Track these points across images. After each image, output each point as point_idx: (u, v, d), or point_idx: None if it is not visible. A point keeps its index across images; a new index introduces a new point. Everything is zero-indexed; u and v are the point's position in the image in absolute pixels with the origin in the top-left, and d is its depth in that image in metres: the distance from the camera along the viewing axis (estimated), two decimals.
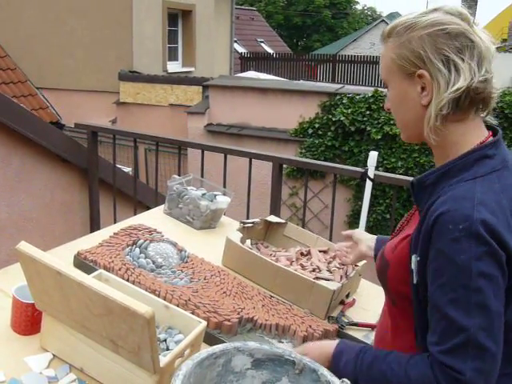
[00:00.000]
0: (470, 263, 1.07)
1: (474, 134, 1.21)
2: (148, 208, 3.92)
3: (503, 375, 1.15)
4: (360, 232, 1.86)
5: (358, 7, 38.72)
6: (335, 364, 1.30)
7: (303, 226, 3.28)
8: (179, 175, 2.80)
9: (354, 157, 7.41)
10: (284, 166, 6.14)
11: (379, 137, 7.13)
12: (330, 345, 1.35)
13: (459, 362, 1.07)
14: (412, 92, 1.21)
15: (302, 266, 2.11)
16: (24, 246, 1.35)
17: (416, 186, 1.26)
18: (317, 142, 7.63)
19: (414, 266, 1.19)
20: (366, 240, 1.78)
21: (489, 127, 1.26)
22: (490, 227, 1.08)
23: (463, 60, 1.15)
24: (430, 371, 1.11)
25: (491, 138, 1.22)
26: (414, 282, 1.19)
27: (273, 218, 2.41)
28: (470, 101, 1.17)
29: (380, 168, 7.03)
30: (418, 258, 1.17)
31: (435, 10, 1.21)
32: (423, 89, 1.19)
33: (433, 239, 1.13)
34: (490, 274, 1.08)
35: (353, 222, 7.35)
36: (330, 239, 3.23)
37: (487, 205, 1.10)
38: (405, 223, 1.38)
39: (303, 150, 7.71)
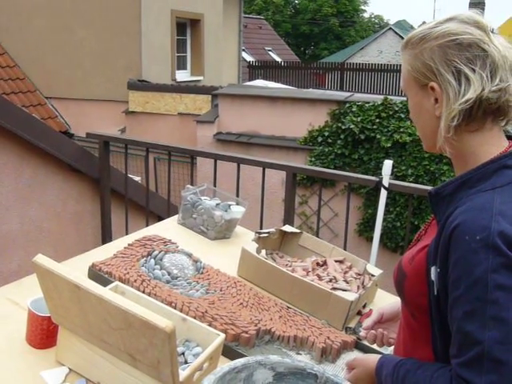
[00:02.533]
0: (486, 275, 1.05)
1: (492, 143, 1.19)
2: (159, 218, 3.91)
3: None
4: (383, 309, 1.63)
5: (366, 15, 38.79)
6: (378, 378, 1.28)
7: (317, 235, 3.25)
8: (191, 184, 2.79)
9: (364, 165, 7.38)
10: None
11: (389, 145, 7.10)
12: (375, 359, 1.33)
13: (475, 376, 1.05)
14: (426, 103, 1.21)
15: (319, 277, 2.08)
16: (41, 259, 1.34)
17: (434, 197, 1.24)
18: (326, 150, 7.60)
19: (434, 277, 1.17)
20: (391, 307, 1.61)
21: (509, 137, 1.24)
22: (509, 238, 1.06)
23: (474, 70, 1.13)
24: (449, 383, 1.10)
25: (511, 148, 1.19)
26: (435, 293, 1.17)
27: (288, 228, 2.39)
28: (483, 111, 1.15)
29: (390, 176, 7.00)
30: (438, 270, 1.15)
31: (450, 19, 1.20)
32: (436, 100, 1.18)
33: (450, 250, 1.11)
34: (508, 286, 1.05)
35: (363, 230, 7.31)
36: (345, 248, 3.21)
37: (506, 215, 1.08)
38: (422, 233, 1.36)
39: (313, 159, 7.69)
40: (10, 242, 3.54)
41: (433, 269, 1.17)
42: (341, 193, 7.42)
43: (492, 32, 1.18)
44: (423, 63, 1.18)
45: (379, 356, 1.32)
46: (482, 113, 1.16)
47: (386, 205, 6.84)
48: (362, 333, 1.57)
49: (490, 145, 1.19)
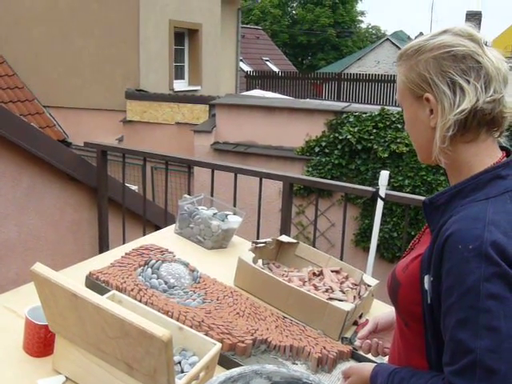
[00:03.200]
0: (479, 284, 1.06)
1: (486, 154, 1.20)
2: (157, 227, 3.92)
3: None
4: (378, 318, 1.64)
5: (363, 26, 38.92)
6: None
7: (314, 245, 3.26)
8: (188, 194, 2.79)
9: (361, 175, 7.40)
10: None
11: (386, 155, 7.12)
12: (370, 367, 1.34)
13: None
14: (421, 115, 1.22)
15: (315, 287, 2.09)
16: (39, 268, 1.34)
17: (428, 206, 1.25)
18: (323, 160, 7.62)
19: (427, 286, 1.18)
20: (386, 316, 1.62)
21: (503, 148, 1.25)
22: (501, 248, 1.07)
23: (468, 82, 1.15)
24: None
25: (505, 159, 1.21)
26: (428, 301, 1.18)
27: (284, 238, 2.40)
28: (478, 122, 1.17)
29: (387, 186, 7.01)
30: (432, 279, 1.16)
31: (444, 31, 1.22)
32: (431, 111, 1.20)
33: (444, 259, 1.12)
34: (500, 295, 1.06)
35: (360, 241, 7.32)
36: (341, 258, 3.22)
37: (499, 225, 1.09)
38: (416, 242, 1.37)
39: (310, 169, 7.71)
40: (8, 250, 3.54)
41: (426, 277, 1.18)
42: (338, 203, 7.43)
43: (485, 45, 1.20)
44: (418, 74, 1.20)
45: (374, 364, 1.33)
46: (476, 123, 1.17)
47: (383, 215, 6.85)
48: (357, 342, 1.59)
49: (484, 155, 1.20)
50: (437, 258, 1.14)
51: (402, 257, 1.42)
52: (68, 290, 1.28)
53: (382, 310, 2.18)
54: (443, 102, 1.16)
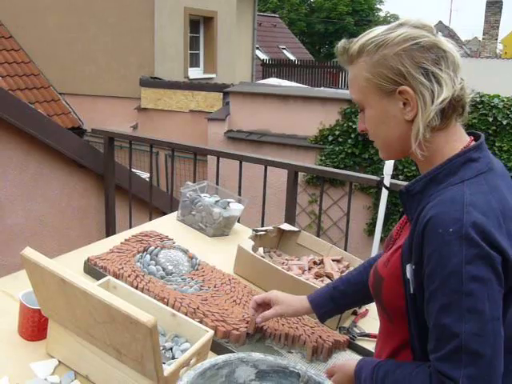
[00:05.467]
0: (460, 267, 1.05)
1: (456, 139, 1.21)
2: (164, 214, 3.92)
3: None
4: (280, 296, 1.66)
5: (381, 14, 38.55)
6: (358, 381, 1.29)
7: (318, 235, 3.24)
8: (195, 181, 2.79)
9: (374, 164, 7.36)
10: (304, 173, 6.11)
11: None
12: (353, 363, 1.34)
13: (453, 369, 1.05)
14: (393, 110, 1.20)
15: (318, 276, 2.08)
16: (29, 253, 1.34)
17: (405, 194, 1.24)
18: (337, 149, 7.59)
19: (409, 275, 1.17)
20: (288, 300, 1.64)
21: (470, 133, 1.26)
22: (481, 228, 1.06)
23: (441, 70, 1.15)
24: (429, 379, 1.10)
25: (474, 142, 1.21)
26: (411, 291, 1.17)
27: (286, 226, 2.38)
28: (453, 109, 1.18)
29: (400, 176, 6.96)
30: (413, 266, 1.15)
31: (401, 24, 1.21)
32: (405, 105, 1.18)
33: (424, 244, 1.11)
34: (482, 277, 1.05)
35: (372, 231, 7.26)
36: (345, 248, 3.20)
37: (477, 206, 1.09)
38: (396, 236, 1.35)
39: (323, 158, 7.67)
40: (15, 235, 3.57)
41: (408, 266, 1.17)
42: (351, 192, 7.39)
43: (438, 34, 1.20)
44: (390, 68, 1.17)
45: (357, 360, 1.33)
46: (452, 111, 1.18)
47: (395, 205, 6.83)
48: (258, 319, 1.63)
49: (454, 141, 1.21)
50: (417, 245, 1.13)
51: (382, 253, 1.41)
52: (56, 274, 1.28)
53: None
54: (423, 93, 1.15)
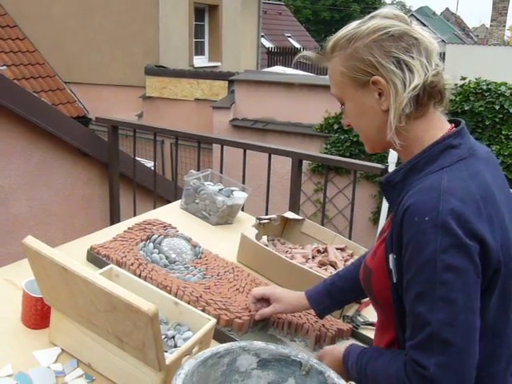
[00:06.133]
0: (435, 256, 1.05)
1: (436, 127, 1.21)
2: (169, 203, 3.92)
3: (489, 375, 1.15)
4: (278, 293, 1.66)
5: (387, 1, 38.31)
6: (345, 367, 1.31)
7: (323, 223, 3.23)
8: (199, 170, 2.78)
9: (380, 153, 7.32)
10: (309, 162, 6.08)
11: None
12: (342, 348, 1.36)
13: (424, 357, 1.06)
14: (369, 101, 1.21)
15: (322, 264, 2.07)
16: (30, 241, 1.34)
17: (385, 185, 1.24)
18: (342, 137, 7.56)
19: (392, 265, 1.17)
20: (287, 298, 1.64)
21: (451, 121, 1.25)
22: (459, 215, 1.06)
23: (413, 58, 1.15)
24: (403, 367, 1.11)
25: (454, 129, 1.21)
26: (394, 281, 1.18)
27: (290, 215, 2.37)
28: (428, 96, 1.17)
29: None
30: (395, 256, 1.16)
31: (372, 17, 1.22)
32: (380, 95, 1.19)
33: (403, 233, 1.12)
34: (457, 266, 1.05)
35: (377, 219, 7.25)
36: (350, 237, 3.19)
37: (455, 193, 1.08)
38: (387, 227, 1.34)
39: (328, 146, 7.65)
40: (19, 224, 3.58)
41: (390, 256, 1.18)
42: (356, 180, 7.37)
43: (411, 23, 1.21)
44: (361, 60, 1.18)
45: (346, 345, 1.35)
46: (427, 98, 1.18)
47: None
48: (257, 316, 1.65)
49: (434, 129, 1.20)
50: (397, 234, 1.14)
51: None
52: (57, 263, 1.28)
53: None
54: (394, 81, 1.16)
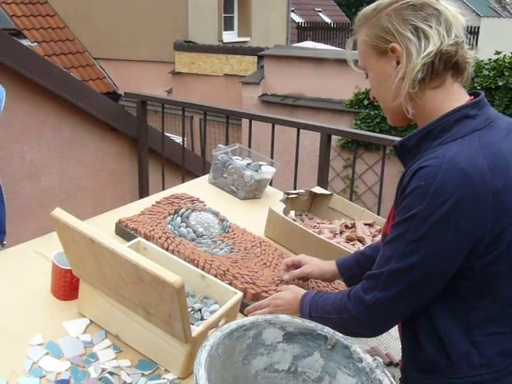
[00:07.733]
0: (413, 220, 1.12)
1: (454, 99, 1.21)
2: (197, 177, 3.93)
3: (490, 334, 1.20)
4: (309, 257, 1.74)
5: None
6: (301, 302, 1.44)
7: (351, 199, 3.20)
8: (227, 144, 2.77)
9: (411, 129, 7.17)
10: (339, 137, 6.02)
11: None
12: (304, 290, 1.50)
13: (369, 288, 1.22)
14: (388, 69, 1.23)
15: (350, 239, 2.05)
16: (59, 213, 1.35)
17: (399, 149, 1.28)
18: (372, 113, 7.46)
19: None
20: (317, 261, 1.71)
21: (471, 94, 1.25)
22: (453, 189, 1.09)
23: (431, 27, 1.17)
24: (349, 290, 1.30)
25: (474, 99, 1.22)
26: None
27: (318, 190, 2.36)
28: (443, 65, 1.19)
29: None
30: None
31: None
32: (398, 63, 1.21)
33: (405, 197, 1.17)
34: (429, 236, 1.11)
35: None
36: (378, 213, 3.15)
37: (457, 162, 1.10)
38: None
39: (358, 122, 7.56)
40: (50, 198, 3.63)
41: (397, 218, 1.21)
42: (386, 156, 7.29)
43: None
44: (381, 27, 1.22)
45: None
46: (442, 67, 1.19)
47: None
48: (286, 276, 1.71)
49: (451, 101, 1.21)
50: (400, 197, 1.19)
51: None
52: (85, 235, 1.28)
53: None
54: (409, 47, 1.18)
